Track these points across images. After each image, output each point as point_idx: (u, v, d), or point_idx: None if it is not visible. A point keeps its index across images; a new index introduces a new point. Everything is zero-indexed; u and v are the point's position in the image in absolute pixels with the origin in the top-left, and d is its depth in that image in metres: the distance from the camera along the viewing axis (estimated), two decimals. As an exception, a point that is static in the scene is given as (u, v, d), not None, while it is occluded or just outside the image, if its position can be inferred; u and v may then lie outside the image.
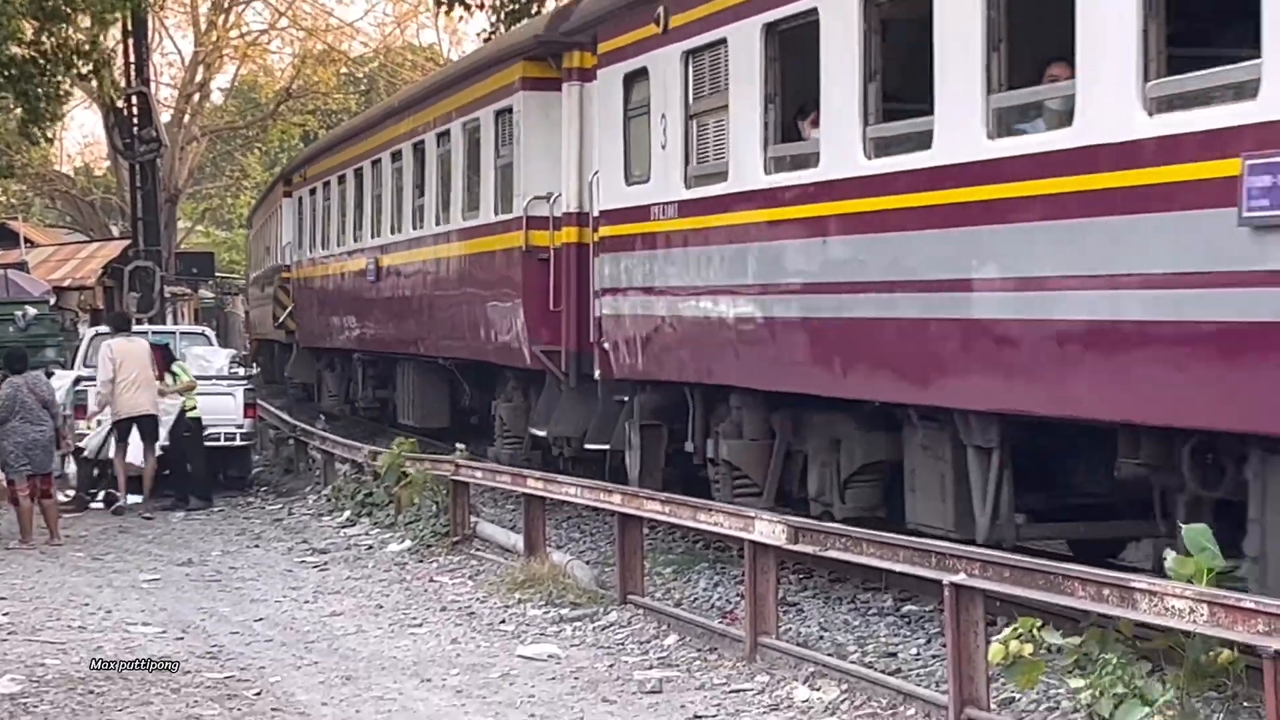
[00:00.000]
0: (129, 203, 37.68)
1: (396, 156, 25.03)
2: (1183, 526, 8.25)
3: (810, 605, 13.07)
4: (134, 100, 33.33)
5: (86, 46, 26.63)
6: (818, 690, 10.11)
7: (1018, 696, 9.68)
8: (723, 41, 13.67)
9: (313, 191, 32.57)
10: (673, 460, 15.45)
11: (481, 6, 32.16)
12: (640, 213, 15.25)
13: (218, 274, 57.90)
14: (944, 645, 9.53)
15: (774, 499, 13.65)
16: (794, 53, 12.80)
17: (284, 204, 36.02)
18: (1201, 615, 7.63)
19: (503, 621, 13.01)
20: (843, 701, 9.86)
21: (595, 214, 16.87)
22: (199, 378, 22.08)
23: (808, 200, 12.49)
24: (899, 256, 11.42)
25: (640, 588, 13.21)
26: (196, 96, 55.66)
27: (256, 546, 17.98)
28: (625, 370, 15.81)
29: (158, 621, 13.32)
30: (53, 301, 31.55)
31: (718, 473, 14.28)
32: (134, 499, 20.80)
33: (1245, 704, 8.79)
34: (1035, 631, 8.50)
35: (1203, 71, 9.03)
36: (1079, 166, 9.63)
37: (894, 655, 11.26)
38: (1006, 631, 8.63)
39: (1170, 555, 8.32)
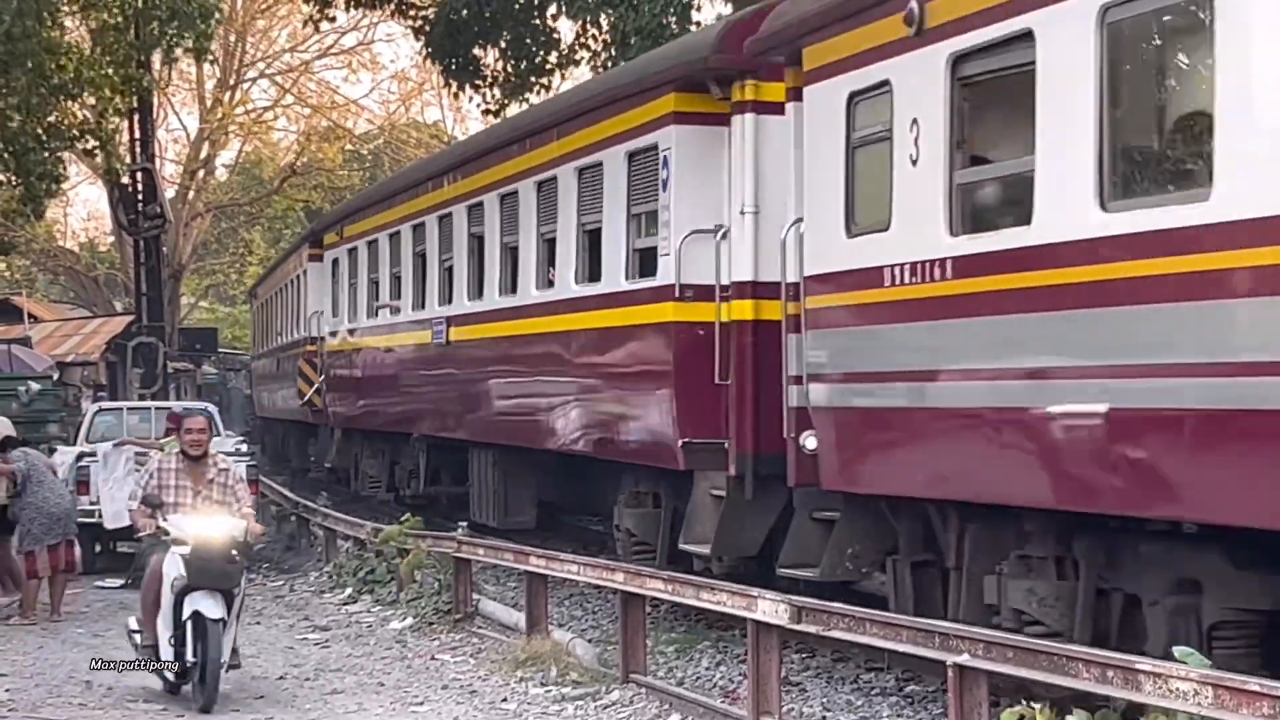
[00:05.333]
0: (133, 278, 37.78)
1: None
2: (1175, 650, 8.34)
3: (813, 685, 13.04)
4: (139, 176, 33.48)
5: (92, 124, 26.77)
6: (821, 771, 10.09)
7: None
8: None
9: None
10: None
11: (491, 86, 32.28)
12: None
13: (221, 350, 57.96)
14: (947, 726, 9.50)
15: None
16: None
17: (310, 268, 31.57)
18: (1206, 698, 7.61)
19: (504, 700, 12.97)
20: (846, 782, 9.83)
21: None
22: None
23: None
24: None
25: (642, 666, 13.18)
26: (201, 173, 55.88)
27: (258, 623, 17.92)
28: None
29: (159, 699, 13.28)
30: (56, 377, 31.58)
31: None
32: None
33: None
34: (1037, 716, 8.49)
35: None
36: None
37: (897, 736, 11.25)
38: (1005, 715, 8.62)
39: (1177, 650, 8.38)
